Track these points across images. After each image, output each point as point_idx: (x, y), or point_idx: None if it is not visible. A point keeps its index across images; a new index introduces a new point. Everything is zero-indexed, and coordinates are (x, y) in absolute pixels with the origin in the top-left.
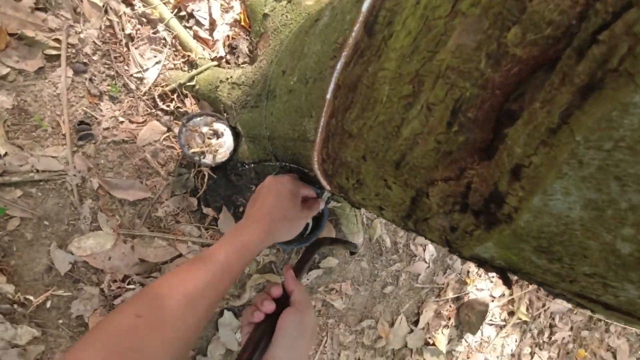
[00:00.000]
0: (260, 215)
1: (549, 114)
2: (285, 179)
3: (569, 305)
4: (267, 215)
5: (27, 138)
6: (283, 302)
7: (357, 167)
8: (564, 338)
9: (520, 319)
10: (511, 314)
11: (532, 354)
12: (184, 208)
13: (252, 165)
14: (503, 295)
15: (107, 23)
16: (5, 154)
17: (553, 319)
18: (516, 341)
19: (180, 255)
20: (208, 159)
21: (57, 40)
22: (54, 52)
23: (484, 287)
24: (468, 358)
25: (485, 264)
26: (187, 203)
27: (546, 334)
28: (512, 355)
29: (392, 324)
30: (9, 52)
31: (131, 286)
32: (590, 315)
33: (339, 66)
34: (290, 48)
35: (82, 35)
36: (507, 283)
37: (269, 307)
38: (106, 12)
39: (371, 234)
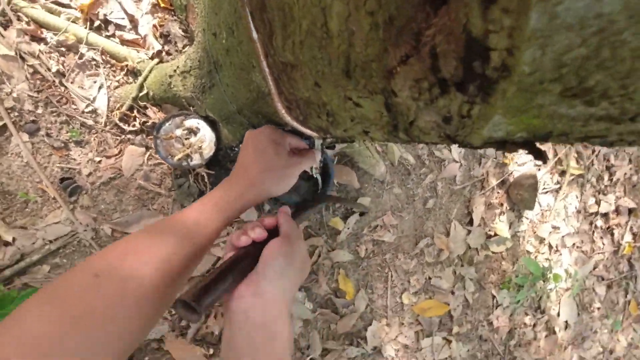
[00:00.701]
0: (240, 170)
1: None
2: (264, 128)
3: None
4: (248, 168)
5: (23, 216)
6: (274, 234)
7: (318, 98)
8: (625, 174)
9: (574, 174)
10: (562, 173)
11: (597, 202)
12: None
13: (239, 144)
14: (548, 159)
15: (31, 70)
16: (14, 239)
17: (608, 160)
18: (577, 197)
19: (219, 259)
20: (196, 159)
21: None
22: None
23: (525, 158)
24: (534, 232)
25: (505, 145)
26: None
27: (606, 178)
28: (578, 211)
29: (447, 234)
30: None
31: None
32: None
33: None
34: (210, 5)
35: (14, 95)
36: (541, 156)
37: (258, 233)
38: (23, 59)
39: (391, 158)
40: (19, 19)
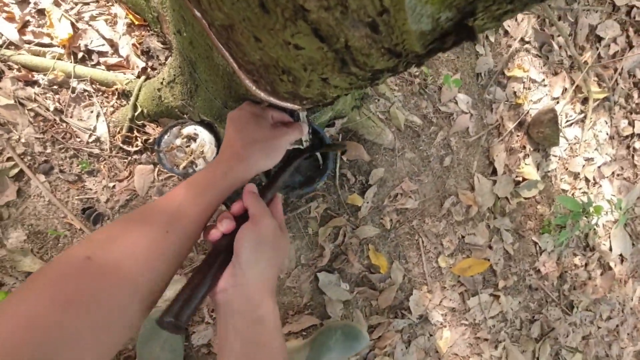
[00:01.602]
0: (225, 148)
1: None
2: (244, 105)
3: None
4: (232, 145)
5: (57, 251)
6: (245, 219)
7: (268, 57)
8: None
9: (598, 98)
10: (585, 101)
11: (631, 123)
12: (217, 216)
13: None
14: (565, 89)
15: (32, 114)
16: None
17: (634, 75)
18: (606, 123)
19: None
20: (201, 164)
21: (10, 159)
22: (15, 170)
23: (540, 94)
24: (567, 169)
25: (445, 40)
26: (217, 211)
27: (635, 95)
28: (611, 137)
29: (472, 189)
30: None
31: None
32: None
33: None
34: (170, 6)
35: (23, 140)
36: (472, 36)
37: (227, 225)
38: (22, 105)
39: (396, 124)
40: (9, 67)
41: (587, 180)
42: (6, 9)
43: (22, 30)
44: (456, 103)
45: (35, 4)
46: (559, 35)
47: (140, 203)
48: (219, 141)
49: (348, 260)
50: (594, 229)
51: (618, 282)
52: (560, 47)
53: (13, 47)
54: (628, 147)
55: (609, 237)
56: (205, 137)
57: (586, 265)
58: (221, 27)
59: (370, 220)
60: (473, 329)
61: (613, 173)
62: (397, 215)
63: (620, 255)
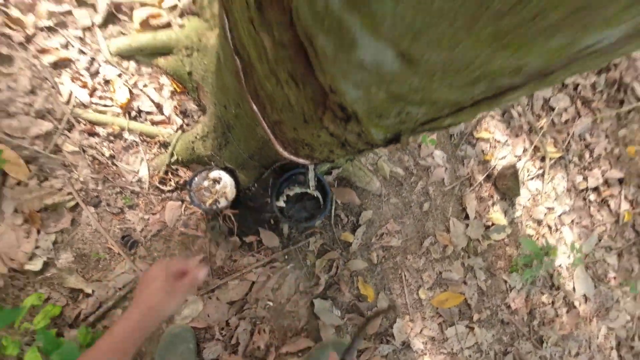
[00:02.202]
0: (135, 302)
1: None
2: (155, 264)
3: (590, 119)
4: (141, 299)
5: (98, 272)
6: None
7: (299, 136)
8: (605, 148)
9: (555, 157)
10: (543, 159)
11: (585, 178)
12: (232, 248)
13: (255, 185)
14: (525, 149)
15: (90, 158)
16: (93, 291)
17: (584, 139)
18: (563, 178)
19: (254, 283)
20: (222, 203)
21: (69, 194)
22: (72, 203)
23: (504, 152)
24: (531, 216)
25: (393, 140)
26: (232, 243)
27: (587, 155)
28: (568, 190)
29: (447, 231)
30: (46, 224)
31: (239, 326)
32: (598, 118)
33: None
34: (217, 85)
35: (81, 179)
36: (400, 141)
37: None
38: (84, 151)
39: (382, 174)
40: (78, 122)
41: (549, 227)
42: (82, 78)
43: (91, 94)
44: (433, 158)
45: (104, 75)
46: (518, 105)
47: (168, 233)
48: (238, 184)
49: (340, 289)
50: (558, 270)
51: (584, 320)
52: (519, 114)
53: (83, 107)
54: (584, 199)
55: (572, 278)
56: (227, 180)
57: (553, 303)
58: (273, 121)
59: (360, 255)
60: (451, 358)
61: (572, 221)
62: (383, 251)
63: (584, 295)
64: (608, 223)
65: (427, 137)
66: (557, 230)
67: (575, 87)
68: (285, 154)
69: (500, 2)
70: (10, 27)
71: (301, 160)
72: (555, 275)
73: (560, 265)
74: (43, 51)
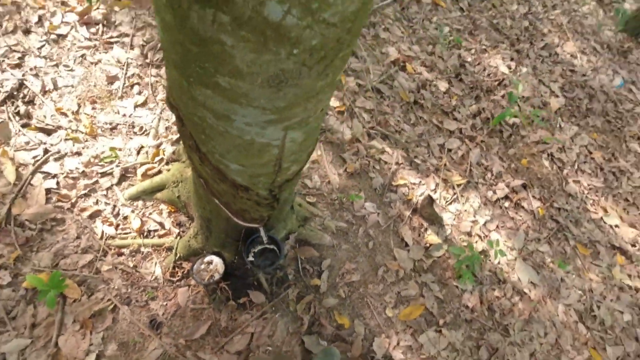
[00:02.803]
0: None
1: None
2: None
3: (479, 150)
4: None
5: (135, 353)
6: None
7: (239, 208)
8: (502, 165)
9: (462, 183)
10: (453, 187)
11: (494, 191)
12: (231, 310)
13: (236, 258)
14: (437, 184)
15: (121, 272)
16: None
17: (481, 164)
18: (476, 196)
19: (253, 334)
20: (217, 276)
21: (109, 300)
22: (112, 306)
23: (421, 190)
24: (460, 230)
25: (272, 200)
26: (230, 307)
27: (489, 175)
28: (484, 204)
29: (395, 259)
30: (95, 326)
31: None
32: (484, 147)
33: (206, 188)
34: (196, 197)
35: (116, 287)
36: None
37: None
38: (116, 268)
39: (330, 229)
40: (109, 249)
41: (478, 235)
42: (109, 220)
43: (116, 228)
44: (365, 209)
45: (123, 214)
46: (419, 155)
47: (182, 312)
48: (225, 261)
49: (322, 324)
50: (499, 267)
51: (539, 303)
52: (423, 161)
53: (111, 238)
54: (500, 207)
55: (515, 271)
56: (217, 260)
57: (505, 295)
58: (224, 203)
59: (330, 294)
60: None
61: (497, 226)
62: (348, 287)
63: (531, 282)
64: (528, 220)
65: (355, 195)
66: (486, 236)
67: (460, 130)
68: (240, 221)
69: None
70: (61, 200)
71: (252, 225)
72: (498, 271)
73: (499, 263)
74: (82, 210)
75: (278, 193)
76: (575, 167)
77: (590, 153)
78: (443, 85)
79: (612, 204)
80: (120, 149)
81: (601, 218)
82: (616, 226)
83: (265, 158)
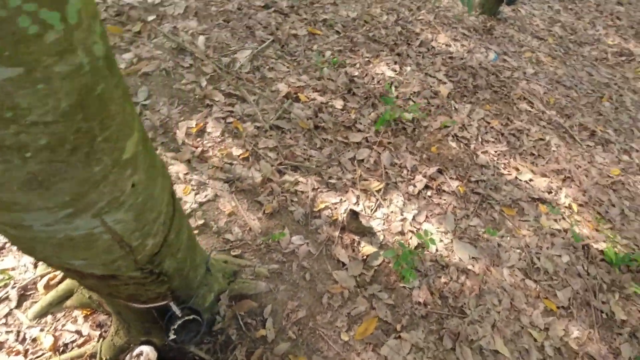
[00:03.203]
0: None
1: None
2: None
3: (388, 152)
4: None
5: None
6: None
7: (131, 294)
8: (414, 159)
9: (381, 188)
10: (373, 194)
11: (414, 185)
12: None
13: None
14: (358, 197)
15: None
16: None
17: (394, 164)
18: (398, 195)
19: None
20: None
21: None
22: None
23: (344, 207)
24: (392, 232)
25: (158, 273)
26: None
27: (405, 172)
28: (408, 199)
29: (336, 282)
30: None
31: None
32: (392, 149)
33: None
34: (112, 304)
35: None
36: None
37: None
38: None
39: (263, 275)
40: None
41: (411, 231)
42: (14, 348)
43: (25, 356)
44: (293, 243)
45: (30, 336)
46: (332, 175)
47: None
48: (156, 347)
49: None
50: (439, 254)
51: (485, 275)
52: (338, 179)
53: None
54: (424, 197)
55: (454, 252)
56: (147, 350)
57: (452, 278)
58: (127, 296)
59: (280, 339)
60: None
61: (426, 217)
62: (296, 326)
63: (471, 257)
64: (452, 201)
65: (277, 233)
66: (418, 229)
67: (366, 139)
68: (140, 305)
69: None
70: None
71: (157, 304)
72: (439, 258)
73: (437, 250)
74: None
75: (156, 267)
76: (479, 139)
77: (489, 123)
78: (339, 104)
79: (521, 162)
80: (13, 268)
81: (515, 177)
82: (530, 180)
83: (101, 246)
